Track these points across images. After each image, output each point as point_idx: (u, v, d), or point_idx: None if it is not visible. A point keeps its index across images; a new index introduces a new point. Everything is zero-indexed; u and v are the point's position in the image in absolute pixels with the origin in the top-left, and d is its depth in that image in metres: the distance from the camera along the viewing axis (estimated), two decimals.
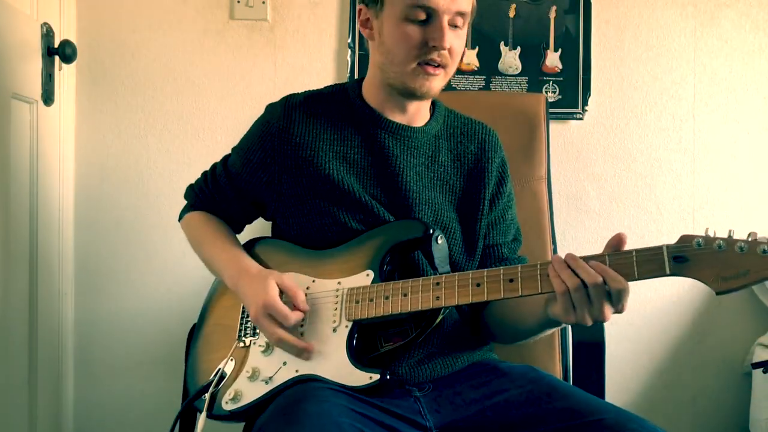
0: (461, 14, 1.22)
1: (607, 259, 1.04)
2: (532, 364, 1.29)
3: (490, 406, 1.16)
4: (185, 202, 1.49)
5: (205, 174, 1.46)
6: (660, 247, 1.02)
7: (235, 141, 1.41)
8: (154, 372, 2.02)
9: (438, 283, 1.15)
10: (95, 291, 2.02)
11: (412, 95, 1.26)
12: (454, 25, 1.22)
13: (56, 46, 1.83)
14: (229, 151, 1.44)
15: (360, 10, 1.31)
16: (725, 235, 0.99)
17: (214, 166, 1.45)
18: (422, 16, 1.20)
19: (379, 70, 1.29)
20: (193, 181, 1.49)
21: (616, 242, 1.06)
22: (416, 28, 1.21)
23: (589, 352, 1.52)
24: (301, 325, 1.21)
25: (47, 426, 1.88)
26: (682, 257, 1.00)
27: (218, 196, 1.42)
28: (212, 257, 1.36)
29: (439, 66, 1.23)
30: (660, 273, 1.02)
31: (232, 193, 1.39)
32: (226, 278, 1.31)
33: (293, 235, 1.32)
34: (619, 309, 1.04)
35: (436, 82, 1.25)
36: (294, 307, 1.20)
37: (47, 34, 1.81)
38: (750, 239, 0.97)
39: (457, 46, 1.24)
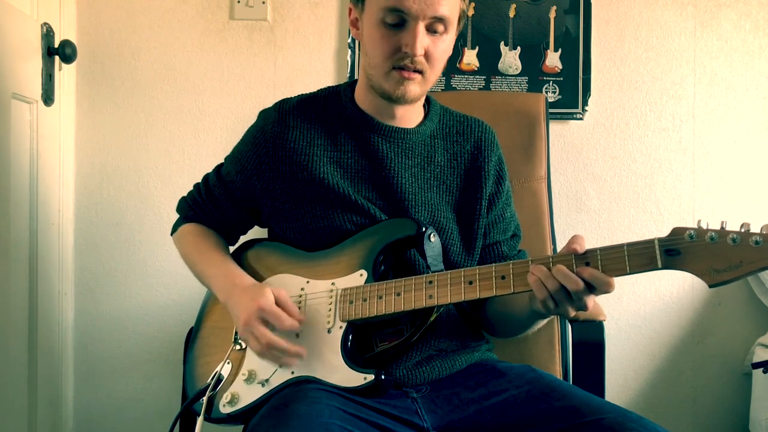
0: (440, 19, 1.19)
1: (599, 253, 1.04)
2: (532, 364, 1.28)
3: (488, 406, 1.15)
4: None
5: (197, 186, 1.45)
6: (651, 241, 1.01)
7: (234, 141, 1.41)
8: (154, 372, 2.02)
9: (431, 282, 1.14)
10: (95, 291, 2.02)
11: (390, 99, 1.25)
12: (434, 31, 1.20)
13: (56, 46, 1.84)
14: (221, 160, 1.44)
15: (350, 9, 1.31)
16: (717, 227, 0.97)
17: (207, 177, 1.44)
18: (397, 20, 1.19)
19: (366, 73, 1.28)
20: (190, 184, 1.48)
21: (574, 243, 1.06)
22: (391, 32, 1.20)
23: (589, 351, 1.51)
24: None
25: (47, 426, 1.88)
26: (674, 250, 0.99)
27: (213, 206, 1.40)
28: (203, 271, 1.34)
29: (415, 71, 1.21)
30: (652, 267, 1.01)
31: (228, 201, 1.39)
32: (217, 292, 1.30)
33: (289, 240, 1.32)
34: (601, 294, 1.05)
35: (413, 86, 1.22)
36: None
37: (47, 34, 1.81)
38: (743, 230, 0.95)
39: (437, 51, 1.21)
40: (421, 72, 1.22)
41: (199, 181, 1.45)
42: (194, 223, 1.43)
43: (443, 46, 1.23)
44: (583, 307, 1.06)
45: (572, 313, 1.07)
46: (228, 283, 1.27)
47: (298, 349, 1.16)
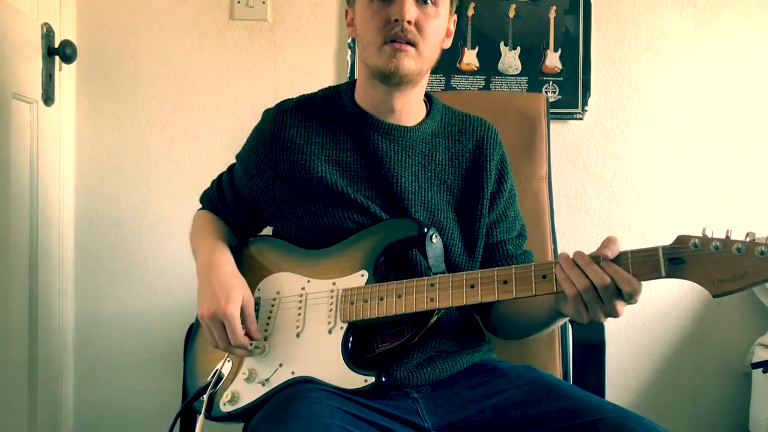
0: None
1: (601, 262, 1.02)
2: (532, 364, 1.28)
3: (489, 406, 1.15)
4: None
5: (213, 181, 1.48)
6: (656, 249, 1.00)
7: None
8: (154, 371, 2.02)
9: (432, 285, 1.14)
10: (95, 291, 2.02)
11: (385, 76, 1.24)
12: (423, 2, 1.22)
13: (56, 46, 1.84)
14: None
15: (346, 11, 1.33)
16: (722, 236, 0.96)
17: (221, 175, 1.47)
18: None
19: (363, 64, 1.29)
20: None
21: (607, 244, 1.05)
22: (381, 8, 1.22)
23: (590, 352, 1.52)
24: (297, 326, 1.21)
25: (47, 426, 1.88)
26: (678, 259, 0.98)
27: (221, 203, 1.43)
28: (195, 245, 1.37)
29: (407, 43, 1.21)
30: (656, 275, 1.00)
31: (235, 200, 1.41)
32: (198, 263, 1.30)
33: (291, 238, 1.32)
34: (631, 303, 1.03)
35: (406, 60, 1.22)
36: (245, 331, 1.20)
37: (47, 34, 1.81)
38: (748, 240, 0.94)
39: (428, 24, 1.22)
40: (414, 45, 1.22)
41: (216, 176, 1.49)
42: (208, 211, 1.47)
43: (435, 22, 1.24)
44: (613, 312, 1.03)
45: (603, 318, 1.04)
46: (207, 258, 1.28)
47: (244, 341, 1.18)
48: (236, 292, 1.20)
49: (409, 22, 1.20)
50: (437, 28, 1.25)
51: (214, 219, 1.43)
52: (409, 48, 1.22)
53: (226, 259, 1.28)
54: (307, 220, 1.28)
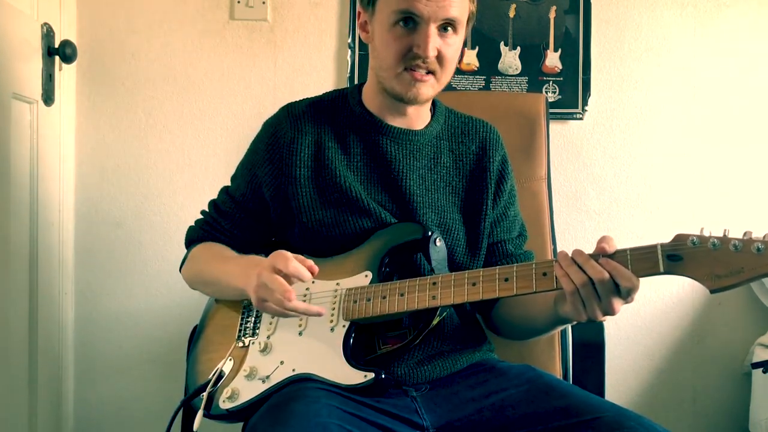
0: (451, 21, 1.21)
1: (601, 258, 1.04)
2: (532, 364, 1.28)
3: (487, 405, 1.16)
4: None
5: (204, 211, 1.43)
6: (654, 246, 1.02)
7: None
8: (154, 372, 2.02)
9: (435, 283, 1.15)
10: (95, 291, 2.02)
11: (401, 100, 1.26)
12: (444, 32, 1.21)
13: (56, 46, 1.84)
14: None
15: (359, 12, 1.31)
16: (720, 234, 0.99)
17: (213, 201, 1.42)
18: (409, 23, 1.20)
19: (375, 74, 1.29)
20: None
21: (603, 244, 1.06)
22: (403, 34, 1.21)
23: (589, 352, 1.52)
24: (300, 324, 1.21)
25: (47, 426, 1.88)
26: (676, 256, 1.00)
27: (225, 221, 1.37)
28: (218, 277, 1.29)
29: (428, 72, 1.22)
30: (654, 271, 1.02)
31: (242, 213, 1.36)
32: (237, 282, 1.23)
33: (298, 248, 1.29)
34: (628, 301, 1.05)
35: (425, 88, 1.24)
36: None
37: (47, 34, 1.81)
38: (745, 238, 0.97)
39: (448, 52, 1.22)
40: (432, 73, 1.23)
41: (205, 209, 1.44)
42: (202, 242, 1.39)
43: (454, 47, 1.24)
44: (610, 310, 1.03)
45: (600, 316, 1.05)
46: (246, 267, 1.22)
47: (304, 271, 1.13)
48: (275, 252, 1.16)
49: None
50: (456, 52, 1.26)
51: (214, 245, 1.37)
52: (429, 77, 1.23)
53: (257, 258, 1.24)
54: (317, 230, 1.28)
